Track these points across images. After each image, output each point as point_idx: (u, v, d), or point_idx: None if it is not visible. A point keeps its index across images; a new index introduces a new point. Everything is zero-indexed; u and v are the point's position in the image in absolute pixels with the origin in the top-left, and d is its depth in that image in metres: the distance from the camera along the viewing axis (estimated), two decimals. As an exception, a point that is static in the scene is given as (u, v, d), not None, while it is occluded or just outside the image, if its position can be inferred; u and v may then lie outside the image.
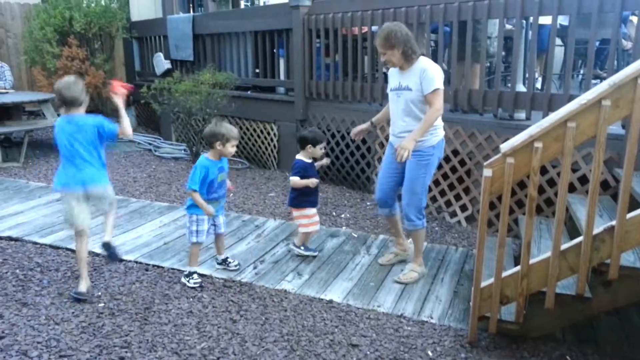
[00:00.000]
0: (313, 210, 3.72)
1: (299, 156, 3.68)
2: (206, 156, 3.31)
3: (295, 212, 3.72)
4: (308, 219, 3.70)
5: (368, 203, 4.98)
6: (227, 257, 3.59)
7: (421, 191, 3.29)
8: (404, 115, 3.24)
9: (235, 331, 2.78)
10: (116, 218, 3.74)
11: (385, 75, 5.08)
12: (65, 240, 3.94)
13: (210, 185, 3.27)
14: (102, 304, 3.05)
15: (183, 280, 3.33)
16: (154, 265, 3.57)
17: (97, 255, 3.72)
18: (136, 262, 3.63)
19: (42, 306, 3.00)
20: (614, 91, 2.27)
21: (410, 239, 3.57)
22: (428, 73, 3.09)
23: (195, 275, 3.34)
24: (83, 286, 3.12)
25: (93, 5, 8.13)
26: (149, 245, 3.92)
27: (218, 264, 3.57)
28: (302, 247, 3.77)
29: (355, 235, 4.19)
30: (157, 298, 3.13)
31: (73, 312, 2.93)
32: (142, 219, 4.49)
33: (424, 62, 3.17)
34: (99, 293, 3.18)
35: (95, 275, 3.42)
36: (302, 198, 3.65)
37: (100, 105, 8.69)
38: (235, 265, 3.55)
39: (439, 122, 3.25)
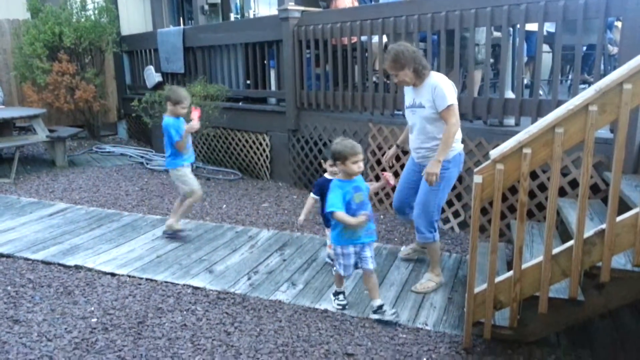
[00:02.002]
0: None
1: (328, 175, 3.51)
2: (337, 177, 3.06)
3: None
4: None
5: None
6: (382, 304, 3.01)
7: (433, 205, 3.27)
8: (418, 133, 3.30)
9: (229, 343, 2.77)
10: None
11: (376, 85, 5.17)
12: (57, 256, 3.91)
13: (348, 208, 2.92)
14: (95, 319, 3.02)
15: (331, 297, 3.22)
16: (147, 279, 3.55)
17: (90, 270, 3.70)
18: (129, 276, 3.60)
19: (35, 323, 2.97)
20: (601, 96, 2.29)
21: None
22: (439, 90, 3.09)
23: (341, 296, 3.16)
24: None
25: (83, 20, 8.14)
26: (142, 258, 3.90)
27: (373, 312, 3.03)
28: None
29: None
30: (151, 312, 3.11)
31: (66, 328, 2.91)
32: (134, 232, 4.47)
33: (435, 78, 3.17)
34: (92, 308, 3.16)
35: (88, 290, 3.39)
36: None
37: (92, 119, 8.70)
38: (393, 314, 2.99)
39: (457, 136, 3.22)
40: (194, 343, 2.77)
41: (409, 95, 3.35)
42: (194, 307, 3.17)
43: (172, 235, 4.29)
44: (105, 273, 3.66)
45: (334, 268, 3.18)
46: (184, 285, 3.46)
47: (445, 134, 3.09)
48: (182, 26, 8.03)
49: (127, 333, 2.87)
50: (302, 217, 3.70)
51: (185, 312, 3.10)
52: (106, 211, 5.07)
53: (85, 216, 4.90)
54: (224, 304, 3.21)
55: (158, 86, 7.58)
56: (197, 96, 6.14)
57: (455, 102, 3.12)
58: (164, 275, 3.61)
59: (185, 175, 4.21)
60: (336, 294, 3.20)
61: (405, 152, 4.11)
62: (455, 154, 3.26)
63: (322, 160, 3.46)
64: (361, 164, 2.91)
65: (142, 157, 7.56)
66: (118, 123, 9.52)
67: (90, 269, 3.71)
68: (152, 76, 7.94)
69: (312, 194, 3.71)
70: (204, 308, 3.16)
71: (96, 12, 8.38)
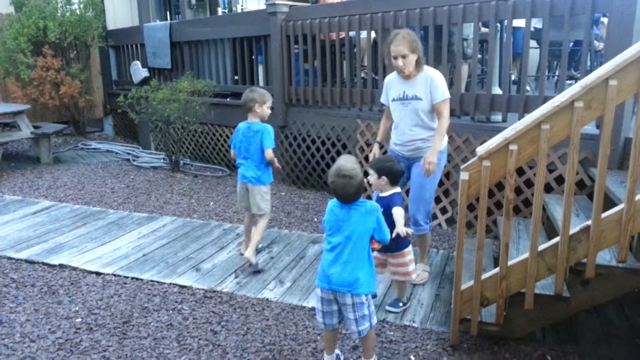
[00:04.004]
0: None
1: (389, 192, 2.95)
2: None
3: (396, 259, 2.98)
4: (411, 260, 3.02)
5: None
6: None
7: (430, 196, 3.31)
8: (412, 125, 3.24)
9: (216, 342, 2.74)
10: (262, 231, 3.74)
11: (364, 80, 5.14)
12: (41, 255, 3.86)
13: None
14: (79, 319, 2.98)
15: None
16: (132, 278, 3.51)
17: (75, 269, 3.65)
18: (114, 275, 3.56)
19: (17, 323, 2.92)
20: (586, 92, 2.29)
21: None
22: (436, 82, 3.11)
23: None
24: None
25: (68, 14, 8.01)
26: (128, 257, 3.85)
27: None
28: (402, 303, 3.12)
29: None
30: (136, 311, 3.07)
31: (50, 329, 2.87)
32: (120, 230, 4.42)
33: (430, 71, 3.17)
34: (77, 308, 3.11)
35: (73, 290, 3.35)
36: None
37: (77, 115, 8.59)
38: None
39: None
40: (180, 343, 2.75)
41: (395, 86, 3.28)
42: (180, 306, 3.14)
43: (257, 270, 3.62)
44: (90, 272, 3.61)
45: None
46: (170, 284, 3.42)
47: (442, 126, 3.13)
48: (168, 21, 7.94)
49: (112, 333, 2.84)
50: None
51: (171, 312, 3.07)
52: (91, 209, 5.01)
53: (70, 214, 4.84)
54: (210, 302, 3.18)
55: (145, 81, 7.49)
56: (184, 92, 6.08)
57: (449, 96, 3.17)
58: (150, 274, 3.57)
59: (269, 192, 3.81)
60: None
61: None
62: (445, 144, 3.31)
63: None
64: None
65: (128, 153, 7.48)
66: (104, 119, 9.41)
67: (75, 268, 3.66)
68: (138, 71, 7.86)
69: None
70: (191, 307, 3.13)
71: (81, 6, 8.24)
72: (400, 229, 2.66)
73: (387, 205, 2.77)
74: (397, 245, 2.84)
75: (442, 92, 3.11)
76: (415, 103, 3.18)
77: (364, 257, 2.31)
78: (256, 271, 3.60)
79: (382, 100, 3.47)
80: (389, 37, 3.15)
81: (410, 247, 2.98)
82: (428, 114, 3.19)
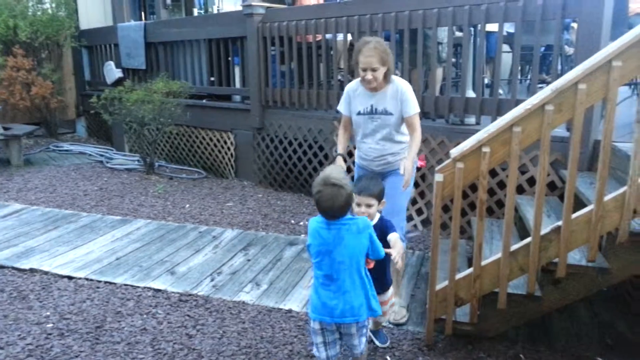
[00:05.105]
0: None
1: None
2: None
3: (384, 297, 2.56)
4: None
5: (326, 210, 4.97)
6: None
7: (404, 210, 3.07)
8: (380, 139, 2.99)
9: (191, 347, 2.71)
10: None
11: (341, 83, 5.16)
12: (10, 259, 3.77)
13: None
14: (50, 325, 2.91)
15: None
16: (105, 282, 3.45)
17: (46, 273, 3.57)
18: (87, 279, 3.49)
19: (-15, 330, 2.84)
20: (557, 96, 2.35)
21: None
22: (407, 94, 2.89)
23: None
24: None
25: (39, 13, 7.85)
26: (101, 261, 3.78)
27: None
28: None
29: (314, 243, 4.17)
30: (109, 316, 3.02)
31: (19, 335, 2.79)
32: (93, 233, 4.33)
33: (399, 82, 2.94)
34: (48, 313, 3.04)
35: (44, 295, 3.27)
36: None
37: (49, 116, 8.41)
38: None
39: None
40: (154, 347, 2.71)
41: (361, 100, 2.99)
42: (155, 310, 3.10)
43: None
44: (62, 276, 3.53)
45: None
46: (145, 287, 3.37)
47: (416, 141, 2.90)
48: (143, 21, 7.84)
49: (85, 338, 2.78)
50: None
51: (145, 316, 3.02)
52: (63, 212, 4.90)
53: (41, 217, 4.73)
54: (185, 306, 3.15)
55: (119, 82, 7.37)
56: (159, 93, 6.01)
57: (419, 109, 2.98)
58: (123, 277, 3.51)
59: None
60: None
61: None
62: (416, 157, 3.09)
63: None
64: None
65: (101, 155, 7.35)
66: (77, 120, 9.22)
67: (46, 272, 3.58)
68: (112, 72, 7.73)
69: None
70: (165, 311, 3.09)
71: (53, 5, 8.09)
72: (397, 259, 2.24)
73: (379, 232, 2.35)
74: (382, 285, 2.48)
75: (414, 105, 2.90)
76: (385, 118, 2.94)
77: (362, 278, 2.11)
78: None
79: (341, 109, 3.14)
80: (357, 44, 2.88)
81: (392, 288, 2.67)
82: (398, 128, 2.98)
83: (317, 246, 2.08)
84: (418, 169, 3.64)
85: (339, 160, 3.04)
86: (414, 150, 2.89)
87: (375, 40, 2.81)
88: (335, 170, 2.12)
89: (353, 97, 3.04)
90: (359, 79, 2.96)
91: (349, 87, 3.08)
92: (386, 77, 2.87)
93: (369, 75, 2.80)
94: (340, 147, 3.13)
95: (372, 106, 2.96)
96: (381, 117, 2.95)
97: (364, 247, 2.07)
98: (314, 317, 2.14)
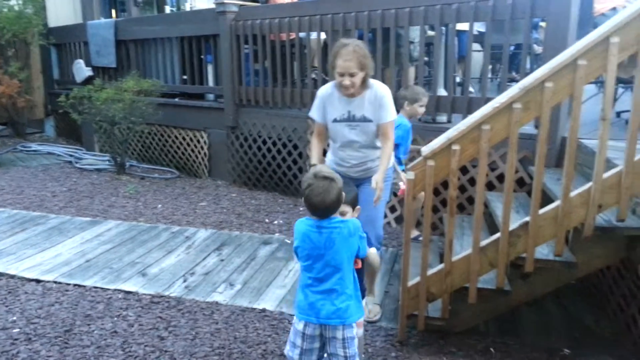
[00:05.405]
0: None
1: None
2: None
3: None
4: None
5: (301, 209, 4.97)
6: None
7: (381, 217, 2.96)
8: (360, 147, 2.82)
9: (163, 349, 2.67)
10: None
11: (315, 81, 5.15)
12: (-26, 263, 3.65)
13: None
14: (17, 329, 2.84)
15: None
16: (75, 285, 3.37)
17: (13, 277, 3.47)
18: (55, 282, 3.41)
19: (-53, 336, 2.75)
20: (524, 94, 2.39)
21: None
22: (386, 100, 2.70)
23: None
24: None
25: (5, 10, 7.62)
26: (69, 263, 3.70)
27: None
28: None
29: (289, 242, 4.16)
30: (79, 319, 2.95)
31: (-17, 341, 2.71)
32: (61, 235, 4.23)
33: (379, 87, 2.73)
34: (14, 317, 2.96)
35: (10, 299, 3.18)
36: None
37: (16, 115, 8.19)
38: None
39: None
40: (125, 350, 2.66)
41: (336, 106, 2.77)
42: (126, 312, 3.04)
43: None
44: (30, 280, 3.45)
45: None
46: (115, 290, 3.31)
47: (389, 150, 2.73)
48: (113, 18, 7.69)
49: (53, 343, 2.72)
50: None
51: (115, 318, 2.97)
52: (31, 214, 4.78)
53: (8, 219, 4.59)
54: (157, 308, 3.10)
55: (88, 81, 7.22)
56: (130, 91, 5.90)
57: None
58: (93, 280, 3.44)
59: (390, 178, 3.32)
60: None
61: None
62: (392, 162, 3.00)
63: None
64: None
65: (71, 155, 7.18)
66: (45, 120, 8.99)
67: (12, 276, 3.48)
68: (81, 70, 7.56)
69: None
70: (136, 313, 3.03)
71: (20, 2, 7.87)
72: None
73: None
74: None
75: (392, 112, 2.73)
76: (364, 125, 2.75)
77: (350, 279, 2.04)
78: None
79: (314, 115, 2.89)
80: (335, 46, 2.67)
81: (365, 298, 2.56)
82: (375, 133, 2.79)
83: (307, 250, 2.00)
84: (395, 194, 3.54)
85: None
86: (385, 162, 2.70)
87: (355, 44, 2.62)
88: (325, 166, 2.05)
89: (327, 103, 2.81)
90: (332, 82, 2.78)
91: (322, 91, 2.84)
92: (364, 82, 2.67)
93: (347, 81, 2.60)
94: (315, 158, 2.86)
95: (349, 112, 2.75)
96: (360, 124, 2.76)
97: (355, 249, 2.02)
98: (299, 317, 2.06)
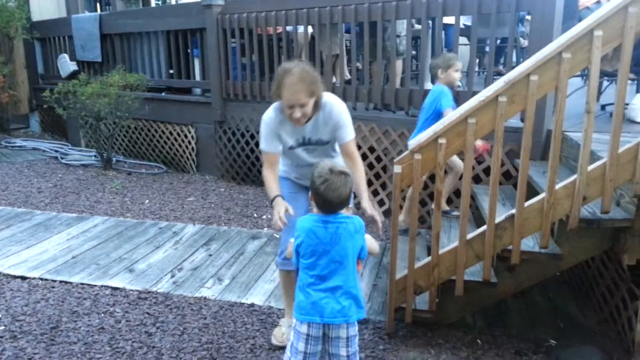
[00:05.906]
0: None
1: None
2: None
3: None
4: None
5: (289, 203, 4.96)
6: None
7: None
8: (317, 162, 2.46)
9: (151, 345, 2.66)
10: None
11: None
12: (-42, 261, 3.60)
13: None
14: (2, 327, 2.81)
15: None
16: (61, 281, 3.34)
17: (-3, 274, 3.44)
18: (41, 279, 3.37)
19: None
20: (510, 88, 2.39)
21: None
22: (342, 117, 2.44)
23: None
24: None
25: (-13, 4, 7.50)
26: (56, 260, 3.66)
27: None
28: None
29: (277, 236, 4.15)
30: (65, 316, 2.93)
31: (-33, 339, 2.68)
32: (47, 232, 4.19)
33: (332, 103, 2.44)
34: (-1, 315, 2.93)
35: (-6, 297, 3.15)
36: None
37: (0, 111, 8.06)
38: None
39: None
40: (112, 346, 2.64)
41: (289, 132, 2.47)
42: (113, 308, 3.02)
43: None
44: (15, 277, 3.41)
45: None
46: (102, 286, 3.29)
47: (361, 172, 2.47)
48: (98, 12, 7.59)
49: (39, 340, 2.69)
50: None
51: (103, 315, 2.95)
52: (16, 210, 4.72)
53: (-8, 216, 4.54)
54: (145, 304, 3.09)
55: (73, 75, 7.13)
56: (116, 86, 5.84)
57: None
58: (80, 276, 3.41)
59: None
60: None
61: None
62: None
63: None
64: None
65: (56, 151, 7.10)
66: (30, 115, 8.87)
67: (-3, 273, 3.45)
68: (66, 65, 7.47)
69: None
70: (124, 309, 3.02)
71: (2, -5, 7.73)
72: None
73: None
74: None
75: (350, 129, 2.48)
76: (322, 148, 2.55)
77: (354, 277, 1.99)
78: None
79: (266, 148, 2.50)
80: (277, 73, 2.36)
81: None
82: (334, 146, 2.59)
83: (312, 246, 1.95)
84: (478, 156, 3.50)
85: (281, 204, 2.34)
86: (364, 184, 2.46)
87: (300, 69, 2.29)
88: (334, 161, 2.02)
89: (281, 130, 2.47)
90: (276, 105, 2.47)
91: (268, 118, 2.48)
92: (316, 105, 2.37)
93: (297, 113, 2.28)
94: (275, 190, 2.45)
95: (304, 137, 2.49)
96: (317, 148, 2.54)
97: (359, 246, 1.99)
98: (302, 319, 1.97)
